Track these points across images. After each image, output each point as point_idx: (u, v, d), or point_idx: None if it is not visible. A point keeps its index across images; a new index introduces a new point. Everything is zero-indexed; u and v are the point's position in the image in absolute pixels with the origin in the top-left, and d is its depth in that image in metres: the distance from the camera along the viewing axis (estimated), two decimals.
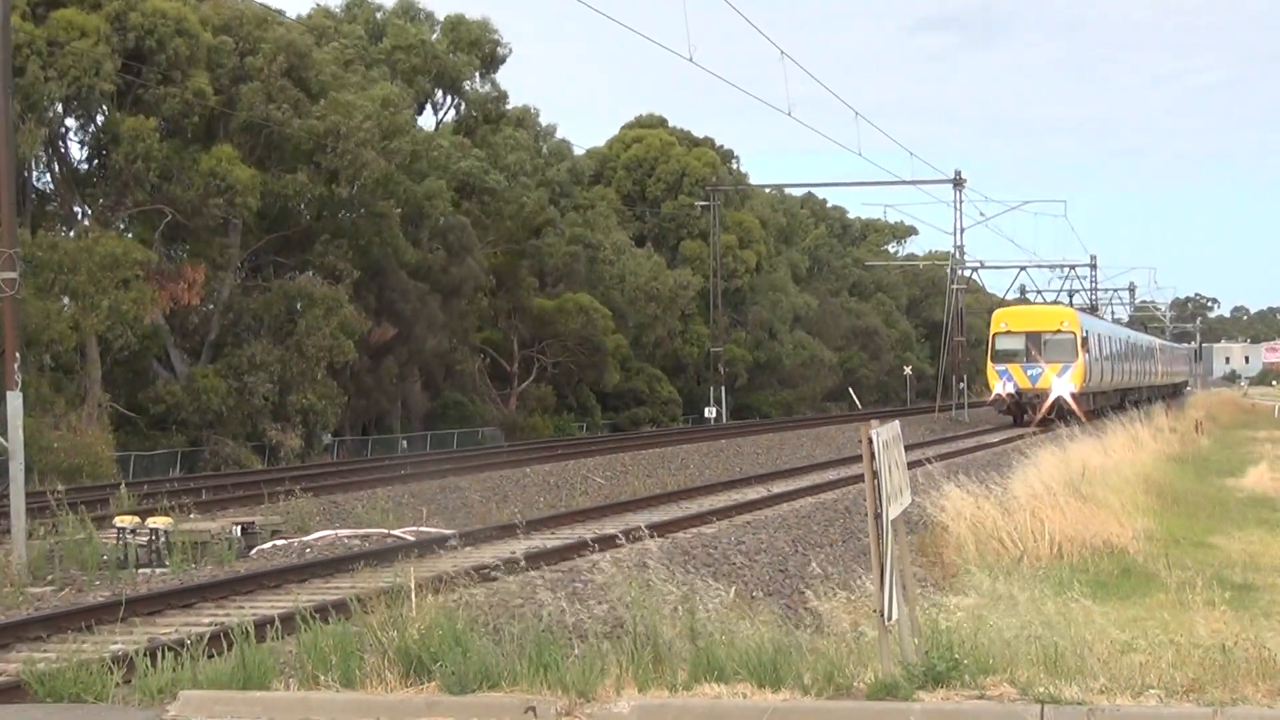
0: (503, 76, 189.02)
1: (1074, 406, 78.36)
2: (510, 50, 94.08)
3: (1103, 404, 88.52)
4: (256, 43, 68.71)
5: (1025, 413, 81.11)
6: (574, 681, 15.16)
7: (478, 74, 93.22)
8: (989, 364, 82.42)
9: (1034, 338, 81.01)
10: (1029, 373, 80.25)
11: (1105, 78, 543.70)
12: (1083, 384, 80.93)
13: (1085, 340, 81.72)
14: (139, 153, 61.74)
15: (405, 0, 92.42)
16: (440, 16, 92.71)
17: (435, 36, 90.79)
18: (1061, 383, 79.66)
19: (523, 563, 25.14)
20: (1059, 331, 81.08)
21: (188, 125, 65.11)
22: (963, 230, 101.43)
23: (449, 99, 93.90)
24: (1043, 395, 79.71)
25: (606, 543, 25.58)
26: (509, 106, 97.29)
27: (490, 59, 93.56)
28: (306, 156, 69.09)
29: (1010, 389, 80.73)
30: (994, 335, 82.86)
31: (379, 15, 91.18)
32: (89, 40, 60.52)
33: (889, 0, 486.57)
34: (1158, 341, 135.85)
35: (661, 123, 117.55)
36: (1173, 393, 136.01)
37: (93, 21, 61.17)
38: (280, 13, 75.96)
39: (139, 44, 62.90)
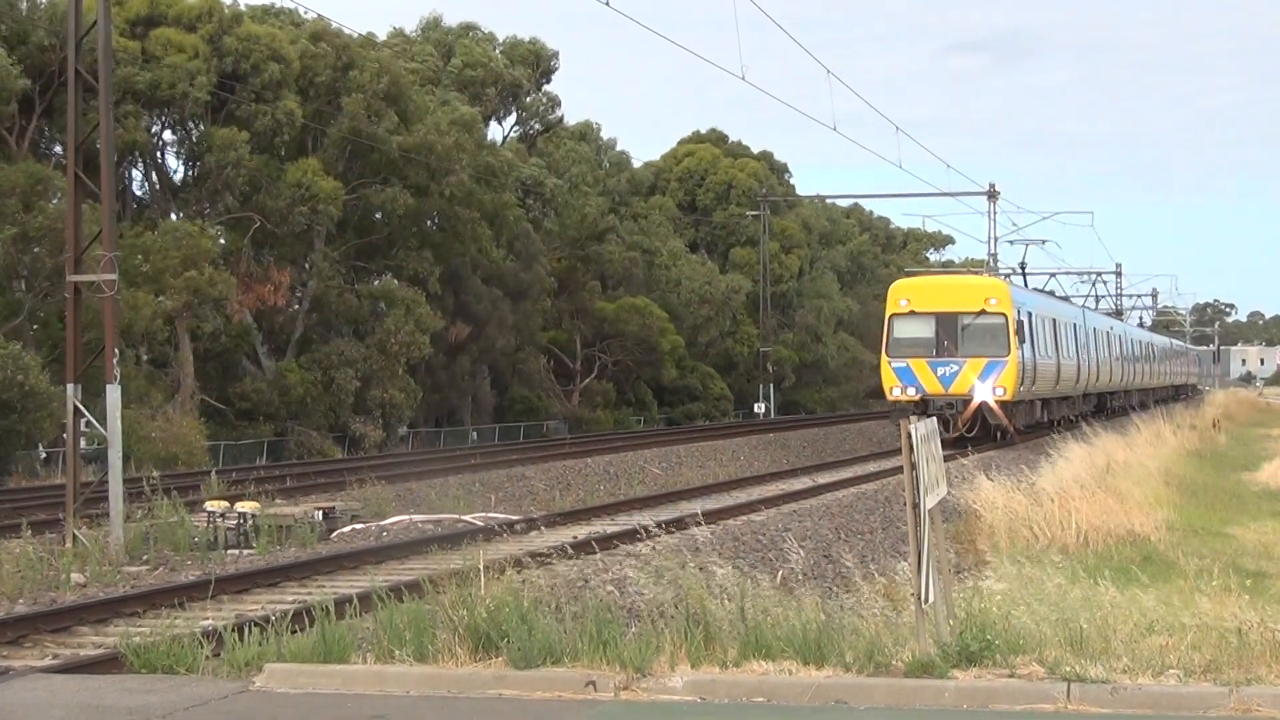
0: (565, 95, 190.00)
1: (1001, 417, 54.69)
2: (559, 63, 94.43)
3: (1065, 413, 66.84)
4: (357, 59, 69.09)
5: (938, 424, 53.19)
6: (631, 658, 15.19)
7: (533, 85, 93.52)
8: (884, 358, 55.45)
9: (947, 322, 54.90)
10: (939, 371, 54.34)
11: (1129, 97, 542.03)
12: (1017, 386, 55.20)
13: (1023, 325, 56.20)
14: (229, 161, 62.08)
15: (466, 22, 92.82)
16: (499, 37, 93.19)
17: (497, 53, 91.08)
18: (985, 386, 53.83)
19: (584, 546, 25.16)
20: (983, 313, 54.80)
21: (278, 142, 65.44)
22: (996, 239, 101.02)
23: (512, 112, 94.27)
24: (959, 404, 54.15)
25: (662, 528, 25.52)
26: (571, 122, 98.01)
27: (545, 73, 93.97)
28: (395, 169, 69.32)
29: (913, 393, 54.08)
30: (891, 317, 55.79)
31: (449, 38, 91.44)
32: (184, 55, 60.83)
33: (927, 23, 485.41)
34: (1156, 337, 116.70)
35: (722, 138, 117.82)
36: (1176, 396, 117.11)
37: (190, 40, 61.49)
38: (374, 34, 76.98)
39: (236, 67, 63.23)
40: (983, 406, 54.23)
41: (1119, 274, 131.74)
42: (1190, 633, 16.73)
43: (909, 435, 15.68)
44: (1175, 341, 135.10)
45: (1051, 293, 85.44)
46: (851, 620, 16.91)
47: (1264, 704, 14.01)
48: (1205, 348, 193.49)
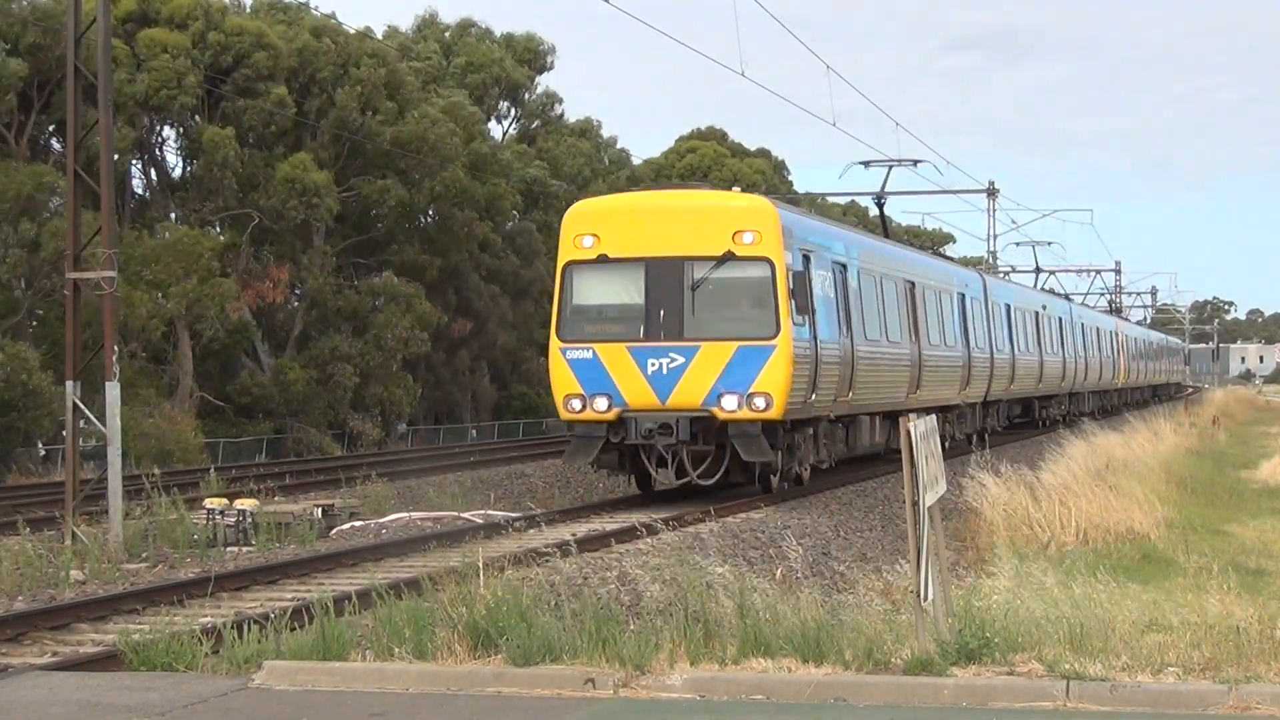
0: (564, 93, 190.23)
1: (764, 450, 30.53)
2: (557, 55, 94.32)
3: (947, 431, 43.70)
4: (356, 53, 69.02)
5: (648, 462, 31.83)
6: (630, 655, 15.19)
7: (533, 82, 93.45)
8: (553, 341, 32.12)
9: (665, 274, 30.98)
10: (651, 367, 30.63)
11: (1128, 94, 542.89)
12: (798, 392, 31.07)
13: (814, 281, 32.42)
14: (218, 160, 61.99)
15: (464, 19, 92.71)
16: (495, 33, 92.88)
17: (497, 50, 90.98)
18: (732, 395, 30.22)
19: (583, 544, 25.14)
20: (731, 257, 30.67)
21: (272, 132, 65.38)
22: (996, 236, 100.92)
23: (512, 110, 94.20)
24: (687, 426, 30.33)
25: (661, 525, 25.48)
26: (571, 119, 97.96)
27: (542, 68, 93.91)
28: (391, 163, 69.25)
29: (604, 407, 30.81)
30: (566, 268, 31.87)
31: (447, 35, 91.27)
32: (169, 56, 60.76)
33: (925, 20, 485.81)
34: (1126, 325, 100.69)
35: (721, 135, 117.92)
36: (1155, 397, 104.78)
37: (176, 39, 61.42)
38: (371, 29, 77.00)
39: (219, 59, 63.13)
40: (730, 431, 30.58)
41: (1118, 271, 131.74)
42: (1189, 630, 16.76)
43: (908, 433, 15.69)
44: (1155, 332, 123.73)
45: (936, 248, 68.20)
46: (851, 618, 16.94)
47: (1263, 702, 14.01)
48: (1204, 345, 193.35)
